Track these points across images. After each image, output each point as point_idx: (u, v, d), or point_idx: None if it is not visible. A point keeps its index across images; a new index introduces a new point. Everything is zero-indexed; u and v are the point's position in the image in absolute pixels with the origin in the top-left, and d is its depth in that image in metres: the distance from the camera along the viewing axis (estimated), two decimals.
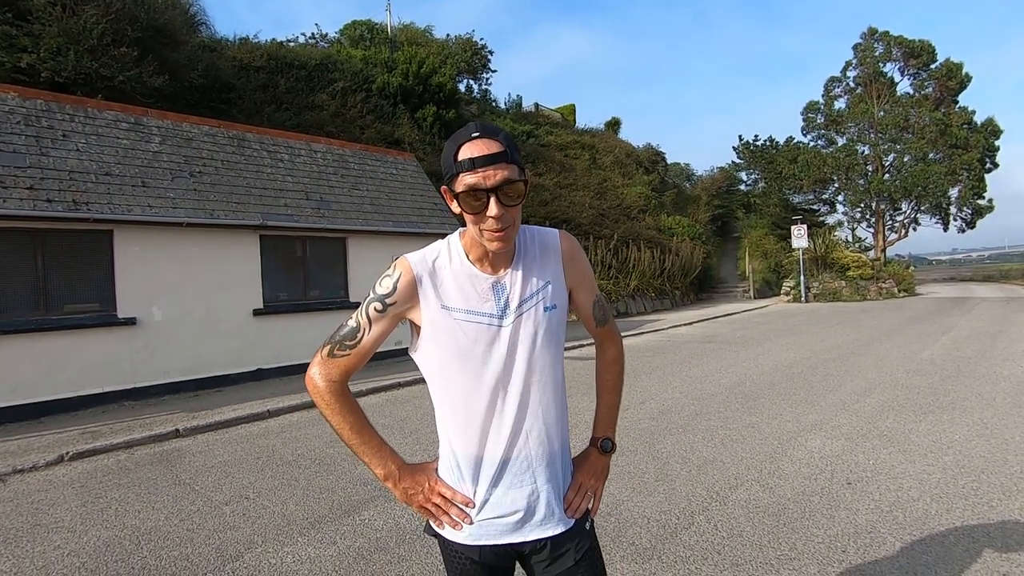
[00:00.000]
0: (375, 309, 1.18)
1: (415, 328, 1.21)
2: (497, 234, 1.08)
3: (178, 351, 7.30)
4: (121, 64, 9.98)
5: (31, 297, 6.35)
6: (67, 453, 4.81)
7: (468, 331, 1.15)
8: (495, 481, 1.18)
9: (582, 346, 9.67)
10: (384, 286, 1.18)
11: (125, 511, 3.65)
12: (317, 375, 1.21)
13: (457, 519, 1.20)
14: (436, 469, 1.27)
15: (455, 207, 1.12)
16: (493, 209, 1.05)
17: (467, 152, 1.05)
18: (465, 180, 1.05)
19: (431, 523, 1.27)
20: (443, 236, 1.27)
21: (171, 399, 7.00)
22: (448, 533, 1.23)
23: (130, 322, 6.90)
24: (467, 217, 1.10)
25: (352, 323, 1.21)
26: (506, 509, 1.19)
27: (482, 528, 1.20)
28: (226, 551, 3.03)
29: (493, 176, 1.05)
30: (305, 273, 8.91)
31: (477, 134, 1.07)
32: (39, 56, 9.48)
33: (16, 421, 6.01)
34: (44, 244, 6.44)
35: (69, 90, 9.23)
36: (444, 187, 1.13)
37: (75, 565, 2.95)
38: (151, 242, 7.14)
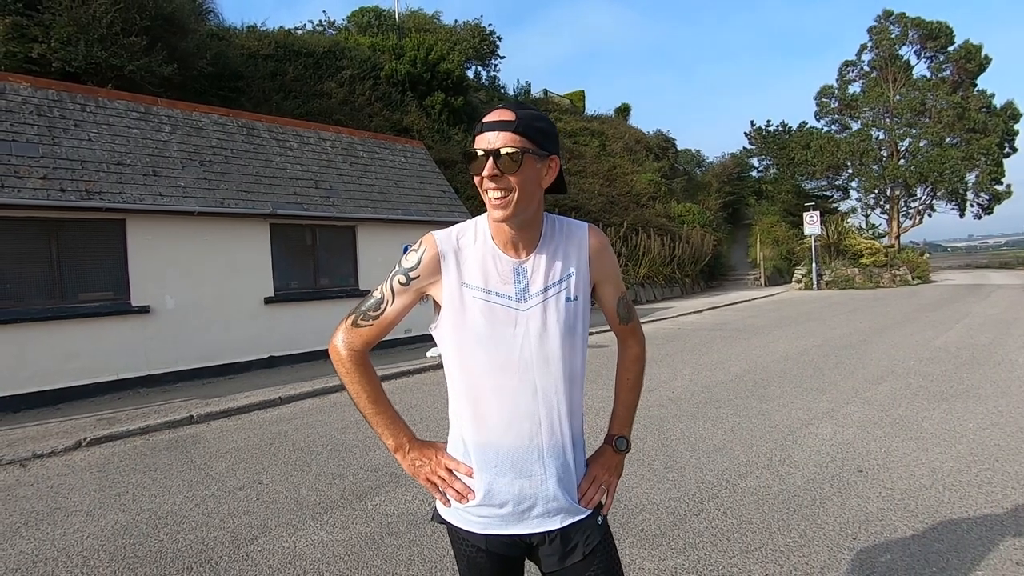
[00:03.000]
0: (399, 282, 1.21)
1: (437, 306, 1.23)
2: (496, 201, 1.10)
3: (191, 339, 7.39)
4: (130, 53, 9.99)
5: (46, 286, 6.44)
6: (84, 439, 4.90)
7: (485, 310, 1.15)
8: (503, 470, 1.18)
9: (589, 333, 9.64)
10: (409, 260, 1.21)
11: (142, 495, 3.72)
12: (340, 343, 1.25)
13: (461, 492, 1.21)
14: (445, 448, 1.28)
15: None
16: (490, 169, 1.08)
17: (487, 118, 1.12)
18: (476, 141, 1.11)
19: (437, 507, 1.28)
20: (452, 224, 1.27)
21: (184, 386, 7.10)
22: (454, 519, 1.23)
23: (143, 310, 6.99)
24: (476, 183, 1.14)
25: (377, 295, 1.24)
26: (513, 499, 1.18)
27: (488, 517, 1.19)
28: (240, 535, 3.09)
29: (495, 140, 1.09)
30: (315, 261, 8.95)
31: (501, 105, 1.13)
32: (50, 46, 9.51)
33: (35, 407, 6.12)
34: (58, 233, 6.51)
35: (80, 80, 9.27)
36: None
37: (94, 548, 3.02)
38: (163, 231, 7.20)
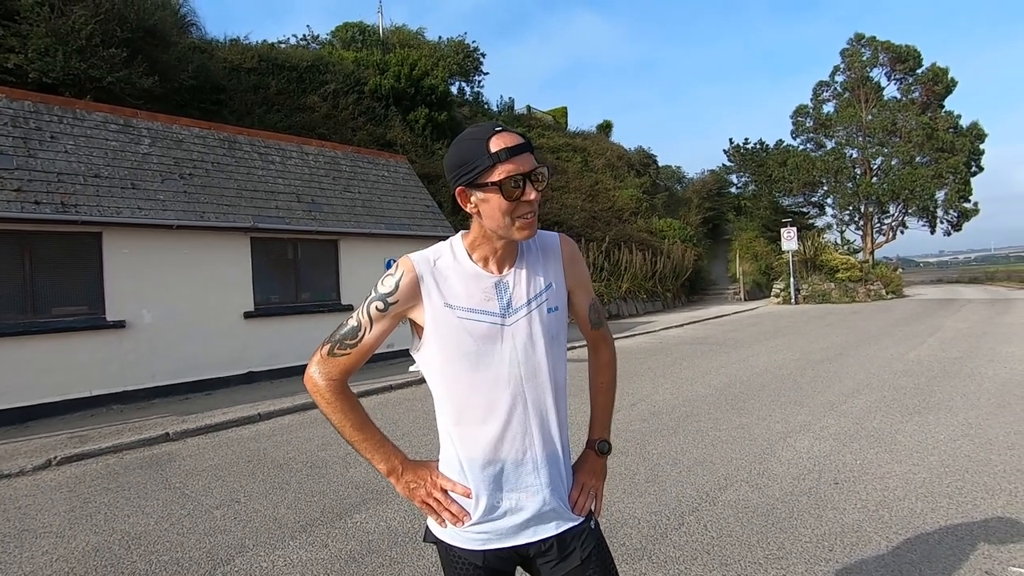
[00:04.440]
0: (377, 308, 1.18)
1: (416, 328, 1.22)
2: (529, 220, 1.13)
3: (168, 354, 7.25)
4: (110, 65, 9.90)
5: (18, 300, 6.29)
6: (55, 457, 4.77)
7: (471, 329, 1.15)
8: (500, 484, 1.18)
9: (568, 348, 9.71)
10: (386, 285, 1.18)
11: (114, 516, 3.63)
12: (317, 374, 1.22)
13: (457, 515, 1.20)
14: (437, 467, 1.28)
15: (472, 205, 1.14)
16: (531, 194, 1.11)
17: (499, 143, 1.10)
18: (504, 169, 1.09)
19: (430, 526, 1.27)
20: (435, 238, 1.29)
21: (161, 402, 6.95)
22: (451, 538, 1.22)
23: (119, 325, 6.85)
24: (501, 208, 1.11)
25: (353, 322, 1.21)
26: (511, 512, 1.19)
27: (488, 532, 1.19)
28: (217, 555, 3.02)
29: (527, 162, 1.11)
30: (296, 275, 8.88)
31: (500, 128, 1.13)
32: (27, 56, 9.39)
33: (3, 425, 5.93)
34: (32, 246, 6.38)
35: (57, 91, 9.15)
36: (461, 188, 1.13)
37: (63, 571, 2.93)
38: (141, 244, 7.10)
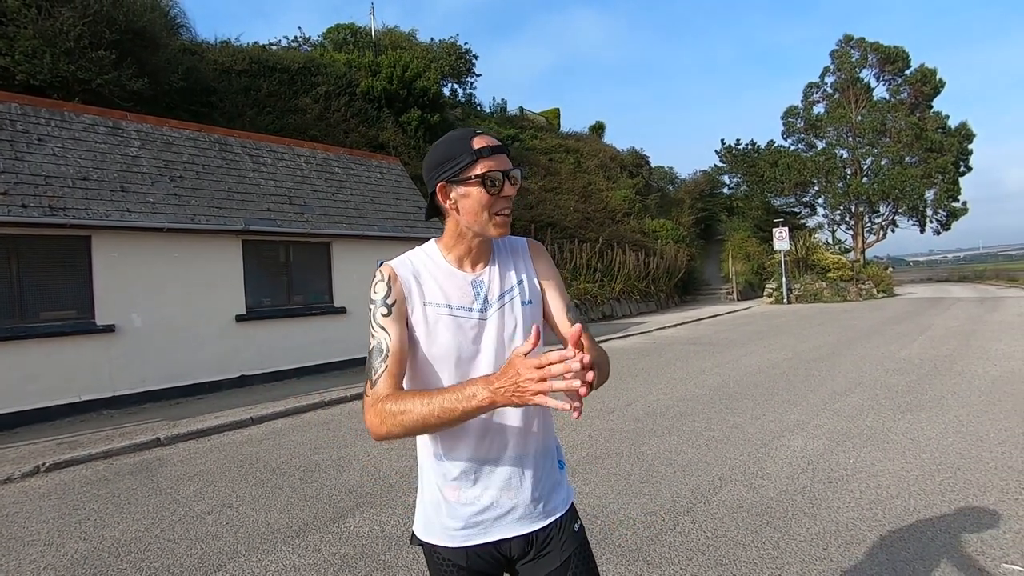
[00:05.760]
0: (382, 315, 1.18)
1: None
2: (505, 217, 1.18)
3: (158, 358, 7.18)
4: (99, 67, 9.81)
5: (6, 304, 6.20)
6: (43, 464, 4.71)
7: (451, 325, 1.18)
8: (478, 479, 1.20)
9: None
10: (379, 291, 1.20)
11: (104, 523, 3.58)
12: (370, 405, 1.12)
13: (572, 382, 0.92)
14: (420, 471, 1.27)
15: (452, 201, 1.17)
16: (509, 190, 1.16)
17: (481, 142, 1.15)
18: (487, 164, 1.14)
19: (415, 530, 1.27)
20: (428, 240, 1.31)
21: (151, 407, 6.88)
22: (434, 538, 1.23)
23: (109, 329, 6.78)
24: (481, 201, 1.15)
25: (372, 343, 1.17)
26: (493, 507, 1.20)
27: (468, 528, 1.20)
28: (208, 561, 2.99)
29: (507, 162, 1.17)
30: (289, 278, 8.82)
31: (480, 131, 1.19)
32: (13, 58, 9.29)
33: None
34: (19, 250, 6.30)
35: (45, 93, 9.06)
36: (441, 184, 1.16)
37: None
38: (130, 248, 7.02)
